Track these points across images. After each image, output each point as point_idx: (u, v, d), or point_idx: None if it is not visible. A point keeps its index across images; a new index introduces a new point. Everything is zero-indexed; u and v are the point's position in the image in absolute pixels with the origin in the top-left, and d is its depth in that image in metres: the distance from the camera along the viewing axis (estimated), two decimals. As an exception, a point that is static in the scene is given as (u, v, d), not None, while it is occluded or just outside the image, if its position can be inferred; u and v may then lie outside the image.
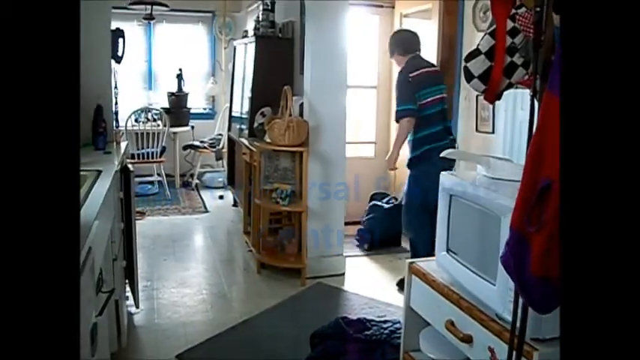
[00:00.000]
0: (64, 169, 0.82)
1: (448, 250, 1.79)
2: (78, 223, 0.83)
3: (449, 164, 3.46)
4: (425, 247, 3.63)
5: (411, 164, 3.85)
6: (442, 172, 1.80)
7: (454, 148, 3.72)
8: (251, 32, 5.15)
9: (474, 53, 1.36)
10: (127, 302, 3.29)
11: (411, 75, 3.75)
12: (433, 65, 3.99)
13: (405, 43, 3.93)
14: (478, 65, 1.34)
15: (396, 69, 4.09)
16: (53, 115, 0.81)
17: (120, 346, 2.84)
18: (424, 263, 1.93)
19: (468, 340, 1.60)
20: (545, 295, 1.05)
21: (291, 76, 4.64)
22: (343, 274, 4.20)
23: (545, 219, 1.01)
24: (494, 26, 1.31)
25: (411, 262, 1.97)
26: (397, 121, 3.82)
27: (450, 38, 4.34)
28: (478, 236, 1.62)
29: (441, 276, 1.80)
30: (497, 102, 1.89)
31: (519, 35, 1.28)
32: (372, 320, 2.60)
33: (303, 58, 4.14)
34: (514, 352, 1.23)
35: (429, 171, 3.49)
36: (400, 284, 3.86)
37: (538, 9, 1.09)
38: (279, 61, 4.75)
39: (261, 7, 5.02)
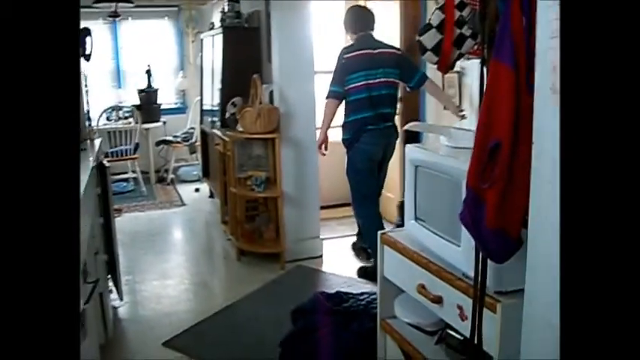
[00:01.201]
0: (65, 165, 0.84)
1: (416, 218, 1.89)
2: (78, 220, 0.87)
3: (379, 149, 3.69)
4: (368, 232, 3.69)
5: (345, 146, 3.80)
6: (407, 145, 1.89)
7: (388, 136, 3.73)
8: (217, 24, 5.19)
9: (426, 27, 1.45)
10: (111, 296, 3.33)
11: (345, 56, 3.66)
12: (386, 46, 3.76)
13: (354, 21, 3.79)
14: (430, 38, 1.43)
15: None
16: (54, 113, 0.82)
17: (107, 338, 2.90)
18: (394, 233, 2.02)
19: (438, 300, 1.70)
20: (500, 246, 1.15)
21: (259, 65, 4.69)
22: (321, 256, 4.29)
23: (495, 175, 1.10)
24: (444, 1, 1.41)
25: (382, 233, 2.06)
26: (326, 99, 3.74)
27: (413, 18, 4.42)
28: (443, 202, 1.71)
29: (411, 243, 1.90)
30: (463, 80, 2.00)
31: (467, 8, 1.38)
32: (350, 293, 2.70)
33: (271, 46, 4.19)
34: (478, 306, 1.33)
35: (355, 156, 3.72)
36: (360, 272, 3.93)
37: (482, -17, 1.19)
38: (247, 51, 4.79)
39: (225, -1, 5.05)
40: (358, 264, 4.12)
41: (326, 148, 3.87)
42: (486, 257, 1.26)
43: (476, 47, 1.39)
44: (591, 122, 0.89)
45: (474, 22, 1.35)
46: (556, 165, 0.95)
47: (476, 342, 1.34)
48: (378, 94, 3.64)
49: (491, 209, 1.13)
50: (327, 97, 3.72)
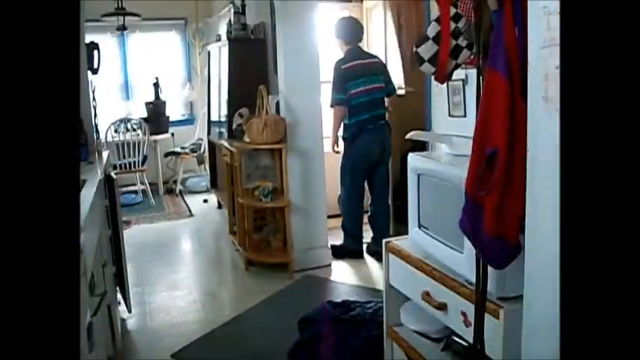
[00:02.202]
0: (65, 170, 0.84)
1: (420, 226, 1.90)
2: (78, 225, 0.87)
3: (378, 145, 4.26)
4: (348, 214, 4.44)
5: (344, 143, 4.35)
6: (410, 154, 1.91)
7: (384, 132, 4.31)
8: (224, 36, 5.24)
9: (423, 39, 1.47)
10: (119, 308, 3.35)
11: (343, 67, 4.18)
12: (372, 57, 4.38)
13: (347, 33, 4.28)
14: (427, 49, 1.45)
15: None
16: (54, 115, 0.82)
17: (115, 350, 2.91)
18: (399, 241, 2.04)
19: (442, 307, 1.71)
20: (499, 253, 1.16)
21: (265, 76, 4.74)
22: (329, 265, 4.30)
23: (493, 182, 1.12)
24: (439, 13, 1.43)
25: (388, 242, 2.07)
26: (331, 107, 4.26)
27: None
28: (445, 210, 1.72)
29: (415, 251, 1.91)
30: (467, 87, 2.02)
31: (462, 20, 1.40)
32: (356, 302, 2.71)
33: (277, 57, 4.23)
34: (479, 311, 1.34)
35: (356, 151, 4.28)
36: (333, 251, 4.42)
37: (477, -5, 1.21)
38: (253, 62, 4.84)
39: (232, 11, 5.10)
40: (366, 271, 4.13)
41: (338, 146, 4.43)
42: (486, 263, 1.26)
43: (472, 57, 1.41)
44: (587, 127, 0.90)
45: (470, 33, 1.37)
46: (551, 171, 0.96)
47: (478, 347, 1.34)
48: (373, 98, 4.23)
49: (490, 216, 1.14)
50: (334, 105, 4.24)
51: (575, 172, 0.91)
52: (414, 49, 1.47)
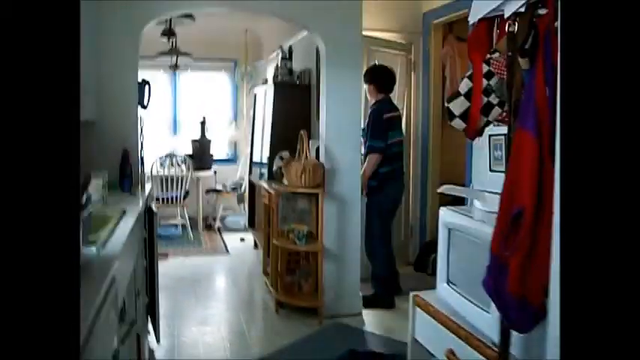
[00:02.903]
0: (63, 172, 0.83)
1: (448, 281, 1.88)
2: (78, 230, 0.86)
3: (399, 194, 4.45)
4: (380, 266, 4.44)
5: (369, 192, 4.36)
6: (441, 207, 1.91)
7: (405, 184, 4.56)
8: (270, 79, 5.38)
9: (455, 95, 1.50)
10: (149, 337, 3.39)
11: (385, 115, 4.29)
12: (397, 109, 4.53)
13: (385, 81, 4.42)
14: (458, 106, 1.47)
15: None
16: (52, 116, 0.80)
17: (141, 380, 2.94)
18: (426, 295, 2.02)
19: (466, 367, 1.68)
20: (522, 315, 1.15)
21: (308, 121, 4.82)
22: (360, 313, 4.26)
23: (518, 242, 1.11)
24: (472, 70, 1.45)
25: (415, 295, 2.06)
26: (368, 153, 4.30)
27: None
28: (474, 267, 1.71)
29: (442, 307, 1.89)
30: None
31: (494, 78, 1.42)
32: (382, 354, 2.67)
33: (319, 103, 4.31)
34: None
35: (387, 198, 4.37)
36: (365, 301, 4.35)
37: (510, 54, 1.23)
38: (296, 107, 4.94)
39: (279, 56, 5.25)
40: (397, 323, 4.07)
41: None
42: (507, 324, 1.25)
43: (504, 115, 1.42)
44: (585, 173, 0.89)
45: (502, 90, 1.39)
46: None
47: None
48: (403, 148, 4.50)
49: (514, 277, 1.13)
50: (374, 152, 4.28)
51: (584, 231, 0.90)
52: (446, 105, 1.50)
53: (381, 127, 4.28)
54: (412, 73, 5.28)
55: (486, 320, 1.60)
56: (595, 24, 0.83)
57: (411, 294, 2.07)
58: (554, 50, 1.02)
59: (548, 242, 1.08)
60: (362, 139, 4.33)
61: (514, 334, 1.35)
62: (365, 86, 4.42)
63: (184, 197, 6.63)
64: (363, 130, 4.36)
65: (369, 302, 4.37)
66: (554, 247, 1.07)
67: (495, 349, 1.55)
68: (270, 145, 5.05)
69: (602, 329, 0.84)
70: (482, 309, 1.63)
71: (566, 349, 0.90)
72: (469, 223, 1.74)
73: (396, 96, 4.90)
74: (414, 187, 5.15)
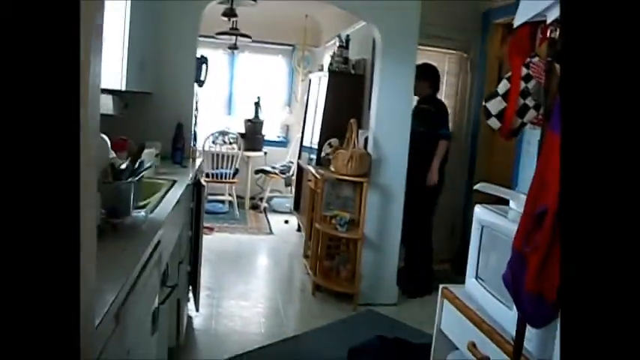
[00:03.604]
0: (63, 174, 0.76)
1: (477, 277, 1.92)
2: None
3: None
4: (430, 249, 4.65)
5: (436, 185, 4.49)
6: (477, 205, 1.95)
7: None
8: (326, 66, 5.45)
9: (493, 94, 1.53)
10: (189, 305, 3.55)
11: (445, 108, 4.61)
12: None
13: (437, 80, 4.65)
14: (495, 105, 1.51)
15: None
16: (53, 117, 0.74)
17: (178, 343, 3.09)
18: (455, 289, 2.06)
19: (485, 360, 1.72)
20: (537, 311, 1.19)
21: (360, 111, 4.87)
22: (395, 304, 4.31)
23: (539, 240, 1.16)
24: (511, 72, 1.49)
25: (444, 287, 2.10)
26: (444, 139, 4.46)
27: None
28: (502, 265, 1.73)
29: (469, 301, 1.93)
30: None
31: (532, 81, 1.45)
32: (408, 342, 2.72)
33: (371, 94, 4.36)
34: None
35: (439, 191, 4.56)
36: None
37: (549, 59, 1.26)
38: (349, 96, 5.00)
39: (337, 44, 5.31)
40: (430, 316, 4.11)
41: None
42: (524, 321, 1.29)
43: (539, 118, 1.45)
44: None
45: (538, 94, 1.42)
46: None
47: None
48: None
49: (532, 273, 1.18)
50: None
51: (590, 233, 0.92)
52: (483, 104, 1.54)
53: (447, 117, 4.57)
54: (468, 71, 5.24)
55: (509, 317, 1.64)
56: (595, 20, 0.85)
57: (441, 287, 2.12)
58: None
59: (567, 243, 1.12)
60: (421, 129, 4.38)
61: (530, 329, 1.39)
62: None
63: (233, 175, 6.81)
64: (419, 118, 4.40)
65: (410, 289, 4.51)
66: (571, 247, 1.10)
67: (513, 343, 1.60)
68: (321, 131, 5.13)
69: (602, 327, 0.87)
70: (506, 305, 1.67)
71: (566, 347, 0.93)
72: (502, 222, 1.77)
73: (443, 94, 4.95)
74: (459, 186, 5.14)
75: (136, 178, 1.74)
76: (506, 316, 1.67)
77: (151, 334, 1.84)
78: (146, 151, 2.17)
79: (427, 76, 4.51)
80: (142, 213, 1.92)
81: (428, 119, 4.44)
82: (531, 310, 1.21)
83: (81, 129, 0.74)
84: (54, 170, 0.73)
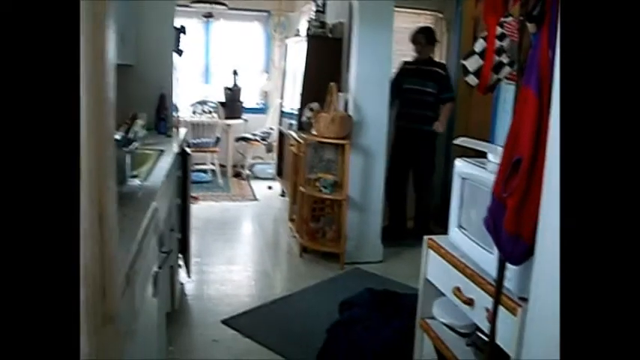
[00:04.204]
0: (62, 167, 0.75)
1: (460, 226, 2.04)
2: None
3: None
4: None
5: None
6: (457, 159, 2.05)
7: None
8: (303, 32, 5.46)
9: (470, 53, 1.62)
10: (180, 272, 3.64)
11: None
12: None
13: (435, 40, 4.86)
14: (473, 63, 1.60)
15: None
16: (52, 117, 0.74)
17: (173, 308, 3.20)
18: (439, 239, 2.18)
19: (469, 302, 1.85)
20: (515, 250, 1.30)
21: (339, 74, 4.91)
22: (381, 261, 4.45)
23: (515, 186, 1.26)
24: (487, 32, 1.57)
25: (429, 238, 2.22)
26: (452, 100, 4.78)
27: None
28: (483, 213, 1.85)
29: (453, 249, 2.05)
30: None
31: (506, 39, 1.54)
32: (397, 292, 2.86)
33: (350, 57, 4.41)
34: (494, 304, 1.48)
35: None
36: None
37: (521, 18, 1.34)
38: (328, 60, 5.01)
39: (313, 8, 5.32)
40: (414, 272, 4.26)
41: None
42: (504, 260, 1.40)
43: (513, 74, 1.54)
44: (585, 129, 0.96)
45: (512, 51, 1.50)
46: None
47: (491, 337, 1.48)
48: None
49: (510, 216, 1.28)
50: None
51: (574, 173, 0.99)
52: (461, 62, 1.62)
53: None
54: (444, 31, 5.31)
55: (490, 260, 1.76)
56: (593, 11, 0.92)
57: (425, 237, 2.23)
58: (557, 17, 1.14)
59: (540, 187, 1.22)
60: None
61: (509, 269, 1.50)
62: (413, 45, 4.81)
63: (215, 144, 6.84)
64: (431, 79, 4.71)
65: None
66: (544, 192, 1.21)
67: (494, 283, 1.72)
68: (301, 96, 5.17)
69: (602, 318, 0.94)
70: (487, 250, 1.79)
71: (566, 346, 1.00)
72: (481, 173, 1.88)
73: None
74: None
75: (133, 148, 1.80)
76: (487, 259, 1.79)
77: (152, 296, 1.92)
78: (137, 122, 2.22)
79: (433, 41, 4.80)
80: (137, 181, 1.99)
81: (439, 81, 4.74)
82: (510, 249, 1.32)
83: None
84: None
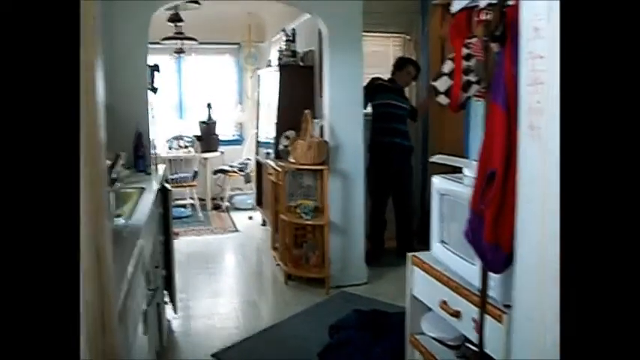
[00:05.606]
0: (63, 175, 0.77)
1: (442, 241, 2.09)
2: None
3: None
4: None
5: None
6: (434, 176, 2.11)
7: None
8: (274, 61, 5.54)
9: (439, 75, 1.70)
10: (166, 309, 3.62)
11: None
12: None
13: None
14: (443, 83, 1.68)
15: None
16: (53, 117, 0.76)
17: (162, 346, 3.17)
18: (423, 255, 2.22)
19: (457, 315, 1.89)
20: (495, 258, 1.35)
21: (312, 101, 4.99)
22: (366, 282, 4.48)
23: (491, 198, 1.32)
24: (454, 53, 1.65)
25: (413, 255, 2.26)
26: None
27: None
28: (462, 226, 1.91)
29: (436, 264, 2.10)
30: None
31: (472, 59, 1.61)
32: (385, 311, 2.89)
33: (322, 84, 4.49)
34: (481, 312, 1.52)
35: None
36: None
37: (485, 38, 1.42)
38: (300, 88, 5.10)
39: (283, 38, 5.41)
40: (403, 290, 4.29)
41: None
42: (485, 269, 1.45)
43: (482, 91, 1.61)
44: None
45: (479, 70, 1.58)
46: (534, 187, 1.15)
47: (479, 345, 1.52)
48: None
49: (488, 226, 1.34)
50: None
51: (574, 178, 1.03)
52: (431, 83, 1.69)
53: None
54: (412, 52, 5.44)
55: (473, 272, 1.80)
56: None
57: (409, 254, 2.28)
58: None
59: (514, 197, 1.28)
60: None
61: (492, 279, 1.55)
62: (396, 71, 4.99)
63: (193, 178, 6.84)
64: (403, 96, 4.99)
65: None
66: (519, 201, 1.27)
67: (480, 295, 1.76)
68: (276, 125, 5.23)
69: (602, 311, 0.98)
70: (469, 262, 1.84)
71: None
72: (459, 188, 1.94)
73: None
74: (415, 162, 5.34)
75: (117, 187, 1.83)
76: (470, 271, 1.84)
77: (143, 334, 1.93)
78: (119, 161, 2.24)
79: (417, 76, 5.03)
80: (121, 220, 2.01)
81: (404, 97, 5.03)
82: (490, 258, 1.37)
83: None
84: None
